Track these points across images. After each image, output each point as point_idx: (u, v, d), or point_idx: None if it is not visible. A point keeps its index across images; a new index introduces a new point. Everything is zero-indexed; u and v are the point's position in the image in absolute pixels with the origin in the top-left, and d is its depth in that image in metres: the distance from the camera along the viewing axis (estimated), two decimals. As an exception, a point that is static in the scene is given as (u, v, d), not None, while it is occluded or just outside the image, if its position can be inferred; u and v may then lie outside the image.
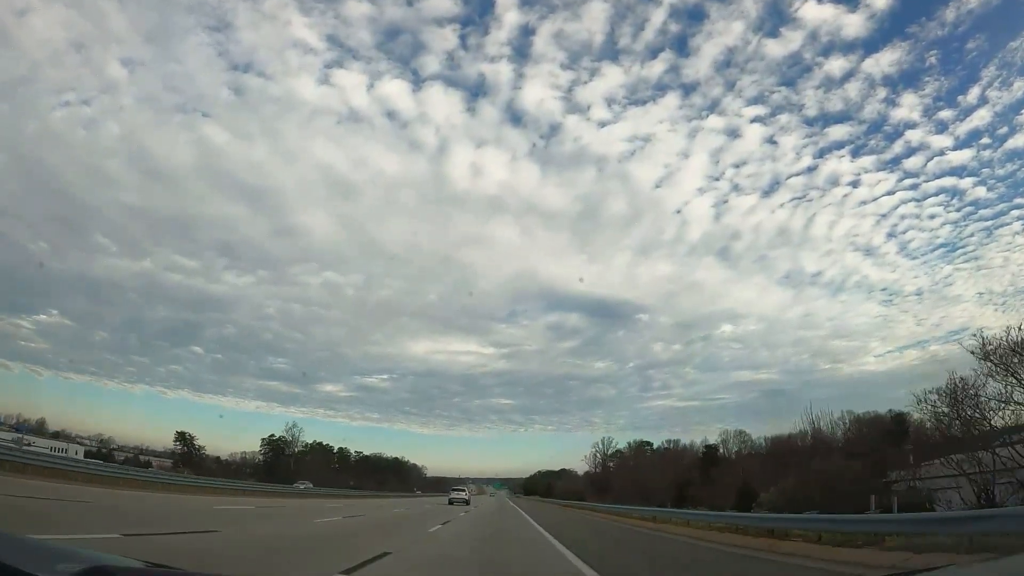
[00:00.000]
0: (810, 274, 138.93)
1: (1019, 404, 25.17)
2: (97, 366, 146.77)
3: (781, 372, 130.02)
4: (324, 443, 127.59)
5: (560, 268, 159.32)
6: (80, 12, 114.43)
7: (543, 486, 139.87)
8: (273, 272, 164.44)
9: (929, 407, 29.92)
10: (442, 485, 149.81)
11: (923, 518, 15.13)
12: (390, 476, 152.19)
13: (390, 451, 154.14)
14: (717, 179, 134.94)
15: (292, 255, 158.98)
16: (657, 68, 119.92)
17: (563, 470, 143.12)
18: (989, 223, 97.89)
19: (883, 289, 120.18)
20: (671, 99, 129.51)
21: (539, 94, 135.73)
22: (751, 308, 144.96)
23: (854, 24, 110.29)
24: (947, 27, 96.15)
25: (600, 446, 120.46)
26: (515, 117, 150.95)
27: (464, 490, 60.86)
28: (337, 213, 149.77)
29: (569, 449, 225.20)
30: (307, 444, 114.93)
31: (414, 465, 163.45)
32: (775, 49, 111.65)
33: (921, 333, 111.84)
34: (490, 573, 10.82)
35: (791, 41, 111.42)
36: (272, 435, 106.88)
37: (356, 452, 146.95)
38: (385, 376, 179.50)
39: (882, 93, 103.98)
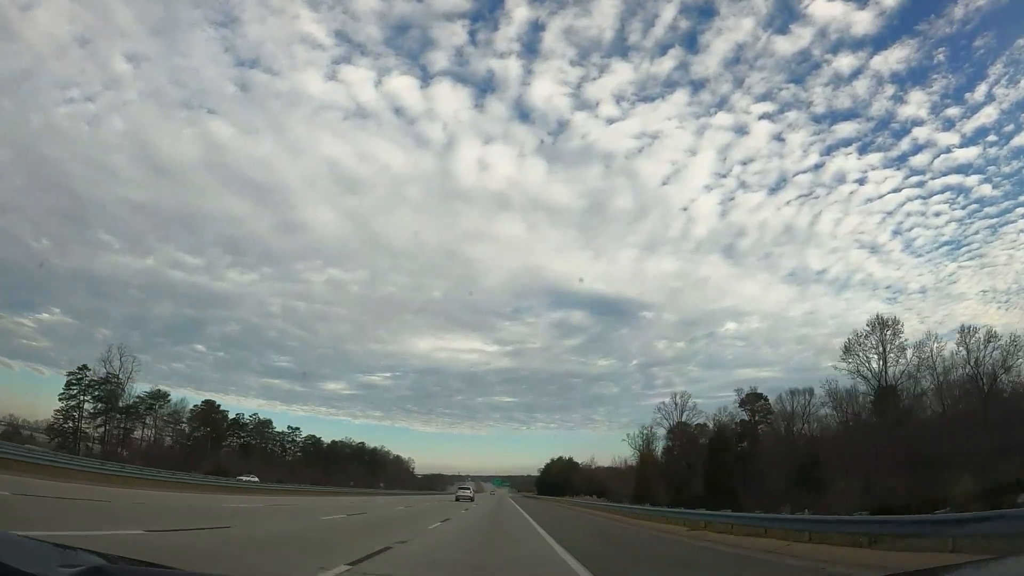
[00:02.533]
0: (815, 271, 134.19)
1: None
2: (183, 397, 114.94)
3: (784, 370, 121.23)
4: (214, 403, 78.84)
5: (565, 265, 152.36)
6: (85, 6, 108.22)
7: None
8: (277, 269, 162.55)
9: None
10: (436, 483, 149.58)
11: (925, 519, 14.32)
12: (354, 468, 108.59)
13: (392, 449, 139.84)
14: (724, 176, 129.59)
15: (297, 251, 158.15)
16: (666, 65, 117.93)
17: (572, 459, 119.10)
18: (994, 221, 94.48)
19: (887, 287, 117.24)
20: (680, 96, 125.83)
21: (548, 90, 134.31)
22: (755, 305, 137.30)
23: (863, 21, 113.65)
24: (955, 24, 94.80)
25: (672, 405, 73.21)
26: (523, 113, 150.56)
27: (469, 488, 61.54)
28: (342, 209, 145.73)
29: (572, 446, 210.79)
30: (159, 394, 66.72)
31: (398, 457, 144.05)
32: (784, 46, 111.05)
33: (924, 331, 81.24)
34: None
35: (800, 38, 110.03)
36: (84, 367, 59.52)
37: (291, 428, 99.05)
38: (388, 374, 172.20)
39: (890, 90, 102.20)
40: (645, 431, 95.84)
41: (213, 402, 79.73)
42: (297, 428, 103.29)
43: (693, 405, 73.12)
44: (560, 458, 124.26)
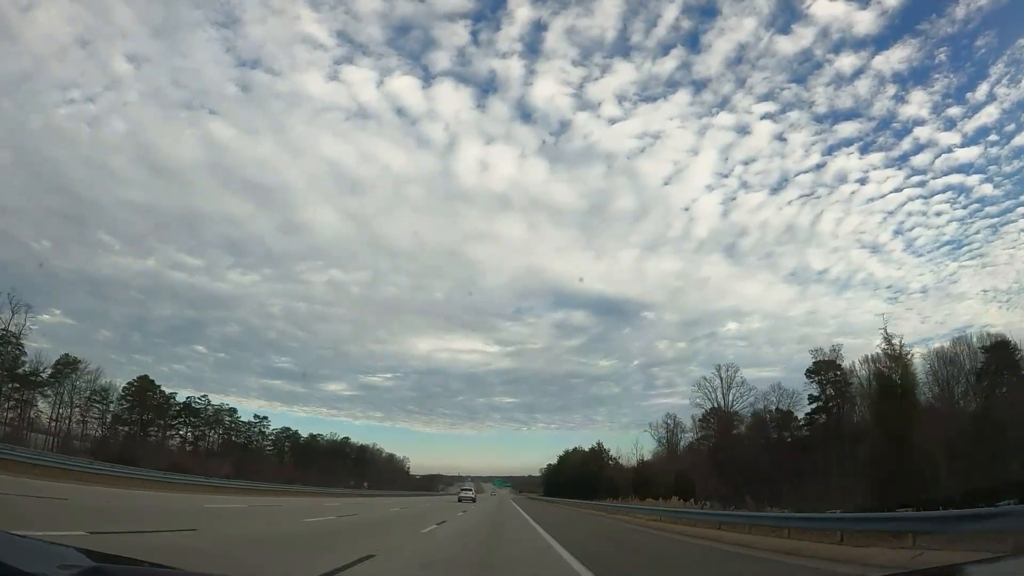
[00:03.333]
0: (816, 271, 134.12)
1: None
2: (99, 365, 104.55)
3: (785, 370, 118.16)
4: (150, 380, 64.08)
5: (567, 265, 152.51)
6: (85, 6, 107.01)
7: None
8: (278, 270, 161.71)
9: None
10: (434, 483, 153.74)
11: (924, 516, 13.52)
12: (338, 466, 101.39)
13: (392, 449, 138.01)
14: (726, 176, 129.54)
15: (297, 252, 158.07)
16: (668, 65, 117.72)
17: (601, 446, 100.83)
18: (995, 220, 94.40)
19: (888, 286, 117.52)
20: (682, 96, 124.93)
21: (550, 91, 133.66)
22: (756, 305, 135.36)
23: (865, 21, 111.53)
24: (957, 24, 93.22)
25: (716, 380, 59.49)
26: (525, 114, 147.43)
27: (471, 488, 59.76)
28: (344, 210, 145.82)
29: (569, 448, 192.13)
30: (68, 360, 52.36)
31: (391, 456, 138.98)
32: (786, 46, 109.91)
33: (925, 331, 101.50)
34: None
35: (802, 38, 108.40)
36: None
37: (258, 417, 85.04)
38: (388, 375, 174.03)
39: (891, 90, 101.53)
40: (669, 420, 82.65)
41: (148, 379, 65.13)
42: (265, 418, 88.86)
43: (742, 380, 59.26)
44: (576, 449, 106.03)
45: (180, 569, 2.52)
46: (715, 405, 60.19)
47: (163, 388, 66.69)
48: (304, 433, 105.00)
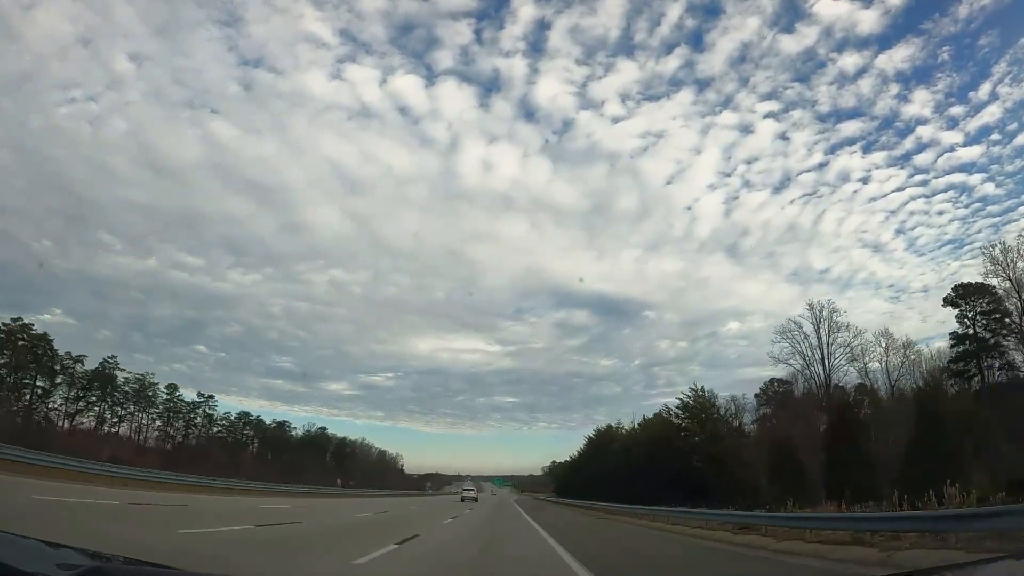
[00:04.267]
0: (818, 271, 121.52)
1: None
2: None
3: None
4: (37, 331, 47.76)
5: (568, 265, 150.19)
6: (87, 5, 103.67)
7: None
8: (279, 270, 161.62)
9: None
10: (422, 483, 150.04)
11: (925, 516, 11.82)
12: (314, 461, 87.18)
13: (393, 449, 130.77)
14: (728, 175, 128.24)
15: (299, 252, 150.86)
16: (672, 63, 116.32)
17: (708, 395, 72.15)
18: (997, 219, 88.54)
19: (890, 286, 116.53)
20: (685, 95, 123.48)
21: (553, 89, 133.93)
22: (758, 305, 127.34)
23: (868, 20, 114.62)
24: (959, 23, 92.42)
25: (813, 318, 43.37)
26: (528, 113, 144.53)
27: (473, 488, 61.46)
28: (345, 210, 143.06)
29: (571, 447, 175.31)
30: None
31: (383, 453, 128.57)
32: (790, 45, 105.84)
33: (926, 330, 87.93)
34: None
35: (806, 37, 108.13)
36: None
37: (203, 396, 68.85)
38: (389, 374, 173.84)
39: (894, 89, 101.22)
40: (702, 392, 63.71)
41: (27, 325, 47.78)
42: (211, 397, 72.14)
43: (845, 322, 42.79)
44: (612, 426, 71.20)
45: (180, 569, 2.45)
46: (806, 359, 44.23)
47: (56, 345, 50.18)
48: (246, 413, 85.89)
